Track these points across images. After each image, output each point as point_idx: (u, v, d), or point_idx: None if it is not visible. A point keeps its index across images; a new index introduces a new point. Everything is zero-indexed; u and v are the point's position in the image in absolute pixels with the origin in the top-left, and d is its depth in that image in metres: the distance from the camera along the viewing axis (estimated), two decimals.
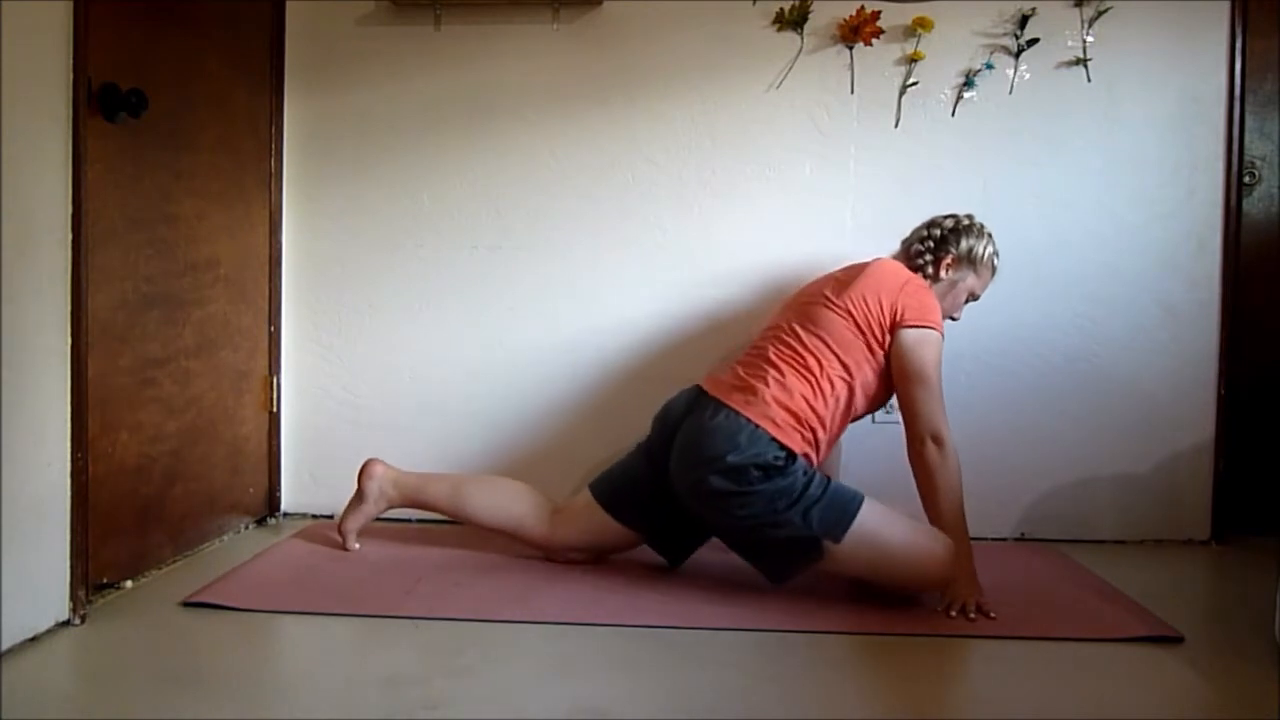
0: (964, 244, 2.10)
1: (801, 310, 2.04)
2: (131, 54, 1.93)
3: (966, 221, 2.14)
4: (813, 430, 1.92)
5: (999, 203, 2.45)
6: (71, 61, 1.68)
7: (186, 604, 1.85)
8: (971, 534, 1.93)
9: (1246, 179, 2.49)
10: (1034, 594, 2.00)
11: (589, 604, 1.88)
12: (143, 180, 1.98)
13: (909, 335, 1.94)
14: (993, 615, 1.82)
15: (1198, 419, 2.48)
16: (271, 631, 1.77)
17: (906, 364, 1.94)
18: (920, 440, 1.92)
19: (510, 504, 2.17)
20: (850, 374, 1.95)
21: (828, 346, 1.96)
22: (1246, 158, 2.49)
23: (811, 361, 1.95)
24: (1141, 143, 2.46)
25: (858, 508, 1.82)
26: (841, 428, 2.01)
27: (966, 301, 2.15)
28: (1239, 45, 2.43)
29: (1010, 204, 2.46)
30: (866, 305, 1.97)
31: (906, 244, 2.19)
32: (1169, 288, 2.47)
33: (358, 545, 2.23)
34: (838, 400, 1.95)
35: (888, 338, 1.96)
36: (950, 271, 2.11)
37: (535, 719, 1.40)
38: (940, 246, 2.11)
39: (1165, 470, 2.49)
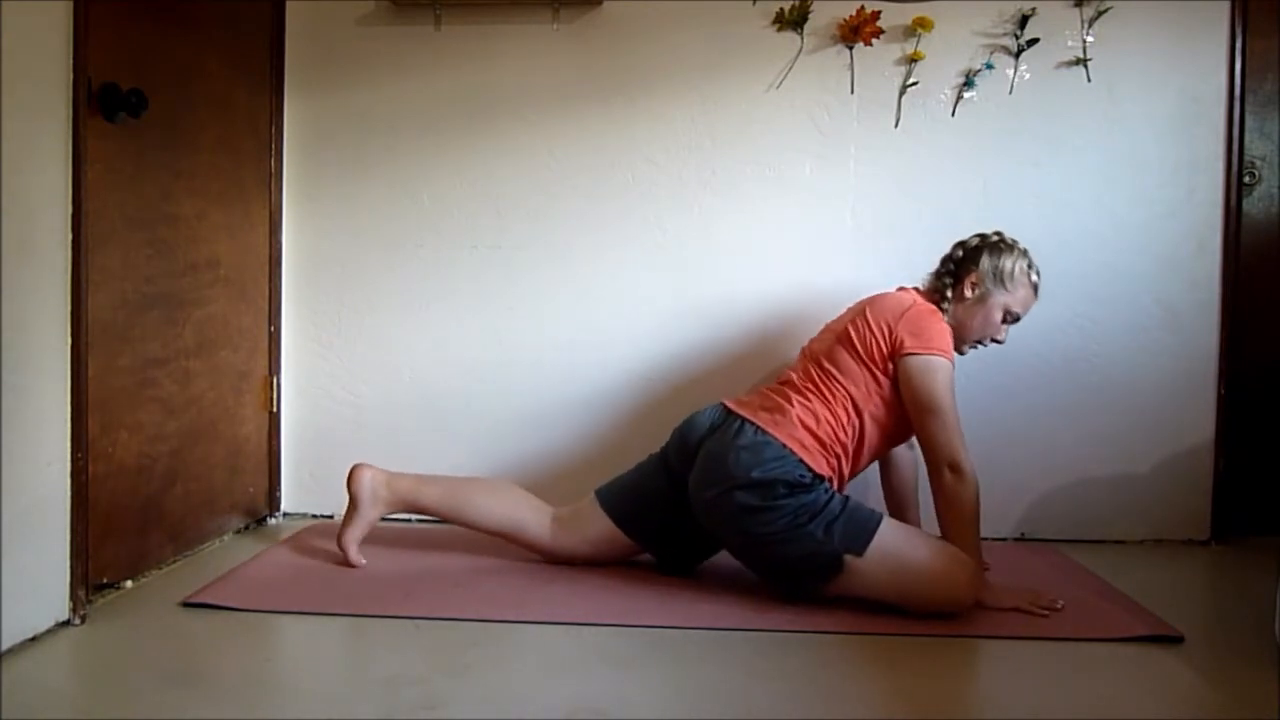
0: (986, 261, 2.03)
1: (819, 344, 2.05)
2: (131, 54, 1.93)
3: (995, 239, 2.07)
4: (837, 456, 1.94)
5: (999, 203, 2.45)
6: (71, 61, 1.68)
7: (186, 604, 1.85)
8: None
9: (1246, 179, 2.49)
10: None
11: (589, 604, 1.88)
12: (143, 180, 1.98)
13: (911, 364, 1.91)
14: (1060, 605, 1.87)
15: (1198, 419, 2.48)
16: (271, 631, 1.77)
17: (916, 393, 1.91)
18: (938, 469, 1.90)
19: (509, 509, 2.13)
20: (859, 406, 1.95)
21: (837, 380, 1.96)
22: (1246, 158, 2.48)
23: (827, 392, 1.96)
24: (1141, 143, 2.46)
25: (878, 523, 1.83)
26: (856, 461, 1.99)
27: (1006, 322, 2.05)
28: (1239, 45, 2.43)
29: (1010, 204, 2.46)
30: (867, 330, 1.96)
31: (935, 270, 2.12)
32: (1169, 288, 2.47)
33: (364, 560, 2.11)
34: (854, 428, 1.95)
35: (890, 366, 1.94)
36: (974, 290, 2.03)
37: (535, 719, 1.40)
38: (962, 265, 2.06)
39: (1165, 470, 2.49)
